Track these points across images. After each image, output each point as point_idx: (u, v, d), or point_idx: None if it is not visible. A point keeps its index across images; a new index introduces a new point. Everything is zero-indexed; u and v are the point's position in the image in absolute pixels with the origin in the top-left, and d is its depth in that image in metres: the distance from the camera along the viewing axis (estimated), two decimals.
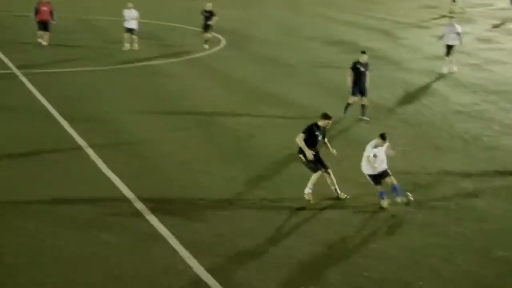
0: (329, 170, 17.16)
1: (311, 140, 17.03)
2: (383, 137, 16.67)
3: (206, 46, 35.75)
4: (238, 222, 15.96)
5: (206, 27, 35.81)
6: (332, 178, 17.14)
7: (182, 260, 14.10)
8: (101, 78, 29.73)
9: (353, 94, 23.53)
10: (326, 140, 17.46)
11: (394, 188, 16.63)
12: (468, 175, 18.91)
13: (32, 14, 35.96)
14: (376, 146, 16.66)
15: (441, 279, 13.54)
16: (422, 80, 29.73)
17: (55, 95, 26.40)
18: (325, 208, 16.71)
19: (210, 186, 17.97)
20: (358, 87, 23.42)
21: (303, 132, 17.04)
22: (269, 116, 24.17)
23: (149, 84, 28.58)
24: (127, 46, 34.89)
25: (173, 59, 33.53)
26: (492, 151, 20.88)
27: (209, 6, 35.89)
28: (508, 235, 15.48)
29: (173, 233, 15.22)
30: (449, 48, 30.71)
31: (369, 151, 16.71)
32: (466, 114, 24.57)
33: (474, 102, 26.29)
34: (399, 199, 16.54)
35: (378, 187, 16.78)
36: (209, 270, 13.68)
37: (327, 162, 17.23)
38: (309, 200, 16.89)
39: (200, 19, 36.12)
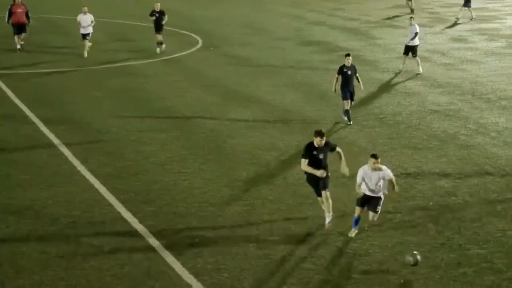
0: (327, 194, 15.66)
1: (311, 162, 15.67)
2: (374, 156, 15.26)
3: (158, 50, 34.52)
4: (219, 223, 15.98)
5: (158, 28, 34.44)
6: (329, 204, 15.68)
7: (165, 262, 14.11)
8: (77, 79, 29.60)
9: (345, 98, 23.43)
10: (338, 150, 15.99)
11: (358, 221, 15.45)
12: (445, 174, 19.08)
13: (6, 16, 34.89)
14: (365, 169, 15.28)
15: (421, 277, 13.65)
16: (398, 80, 29.92)
17: (29, 97, 26.26)
18: (306, 209, 16.77)
19: (190, 187, 17.98)
20: (347, 90, 23.36)
21: (303, 157, 15.75)
22: (247, 117, 24.20)
23: (127, 85, 28.50)
24: (85, 53, 33.68)
25: (149, 60, 33.44)
26: (468, 149, 21.08)
27: (158, 6, 34.27)
28: (485, 233, 15.64)
29: (154, 235, 15.22)
30: (410, 48, 30.99)
31: (360, 174, 15.31)
32: (442, 114, 24.76)
33: (450, 101, 26.51)
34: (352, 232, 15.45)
35: (358, 209, 15.38)
36: (192, 271, 13.70)
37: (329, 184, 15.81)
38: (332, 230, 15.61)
39: (150, 21, 34.73)
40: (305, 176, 16.07)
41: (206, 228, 15.65)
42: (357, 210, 15.42)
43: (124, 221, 15.96)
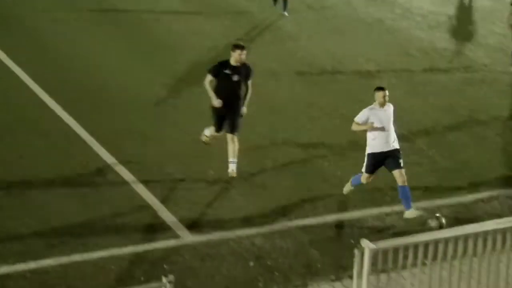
0: (235, 138, 13.13)
1: (220, 82, 13.06)
2: (381, 88, 12.28)
3: None
4: (159, 118, 15.72)
5: None
6: (234, 148, 13.08)
7: (101, 159, 13.97)
8: None
9: None
10: (249, 84, 13.21)
11: (403, 193, 11.71)
12: (371, 59, 19.22)
13: None
14: (372, 108, 12.06)
15: (345, 159, 13.92)
16: None
17: None
18: None
19: (127, 84, 17.47)
20: None
21: (208, 72, 13.24)
22: (186, 8, 23.45)
23: None
24: None
25: None
26: (393, 33, 21.22)
27: None
28: (408, 114, 15.91)
29: (91, 133, 14.92)
30: None
31: (362, 115, 12.04)
32: None
33: None
34: (407, 213, 11.71)
35: (366, 176, 11.98)
36: (121, 160, 13.70)
37: (239, 126, 13.27)
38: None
39: None
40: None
41: (136, 119, 15.52)
42: (365, 177, 12.01)
43: (61, 120, 15.51)
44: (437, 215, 11.78)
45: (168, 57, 19.08)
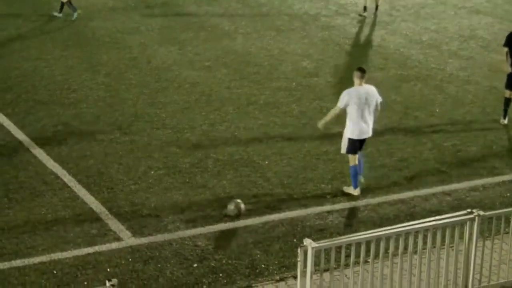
0: None
1: None
2: (361, 70, 12.40)
3: None
4: (82, 109, 15.69)
5: None
6: None
7: (27, 151, 13.77)
8: None
9: None
10: None
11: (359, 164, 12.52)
12: (307, 55, 19.36)
13: None
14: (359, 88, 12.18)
15: (285, 157, 13.97)
16: None
17: None
18: (171, 93, 16.71)
19: (51, 74, 17.52)
20: None
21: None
22: (123, 4, 23.31)
23: None
24: None
25: None
26: (329, 30, 21.40)
27: None
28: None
29: (15, 123, 14.79)
30: None
31: (343, 100, 12.28)
32: None
33: None
34: (362, 179, 12.57)
35: (353, 157, 12.38)
36: (57, 160, 13.43)
37: None
38: None
39: None
40: None
41: (69, 115, 15.35)
42: (352, 158, 12.41)
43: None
44: (238, 200, 11.85)
45: (100, 53, 18.93)
